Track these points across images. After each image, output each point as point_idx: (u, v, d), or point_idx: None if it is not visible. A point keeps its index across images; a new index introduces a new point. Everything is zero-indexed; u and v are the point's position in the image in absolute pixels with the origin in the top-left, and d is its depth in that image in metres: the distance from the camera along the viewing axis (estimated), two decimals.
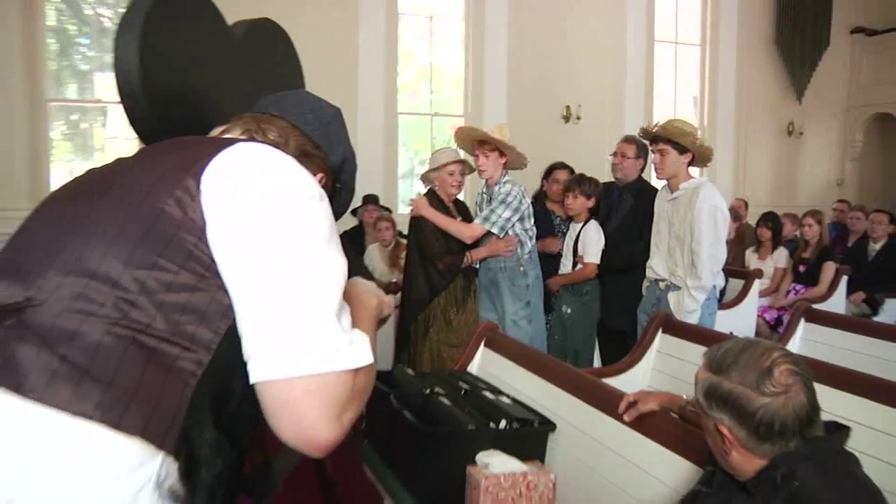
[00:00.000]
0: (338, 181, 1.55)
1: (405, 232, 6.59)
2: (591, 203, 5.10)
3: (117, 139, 8.84)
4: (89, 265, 1.10)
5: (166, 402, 1.04)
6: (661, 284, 4.41)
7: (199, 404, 1.08)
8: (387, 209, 7.77)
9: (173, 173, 1.17)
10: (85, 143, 8.93)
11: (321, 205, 1.21)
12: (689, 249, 4.19)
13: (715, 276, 4.23)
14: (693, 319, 4.14)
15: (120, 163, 1.32)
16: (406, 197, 9.34)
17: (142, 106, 1.59)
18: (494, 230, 4.61)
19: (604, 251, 4.99)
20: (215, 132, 1.44)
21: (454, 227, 4.63)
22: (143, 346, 1.05)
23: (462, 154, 4.89)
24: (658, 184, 4.84)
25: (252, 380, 1.09)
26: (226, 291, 1.12)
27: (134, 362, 1.04)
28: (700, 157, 4.35)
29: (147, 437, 1.01)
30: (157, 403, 1.03)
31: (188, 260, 1.10)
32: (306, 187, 1.21)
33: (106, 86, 8.67)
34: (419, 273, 4.60)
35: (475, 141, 4.71)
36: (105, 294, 1.07)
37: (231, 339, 1.11)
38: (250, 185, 1.17)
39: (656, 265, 4.46)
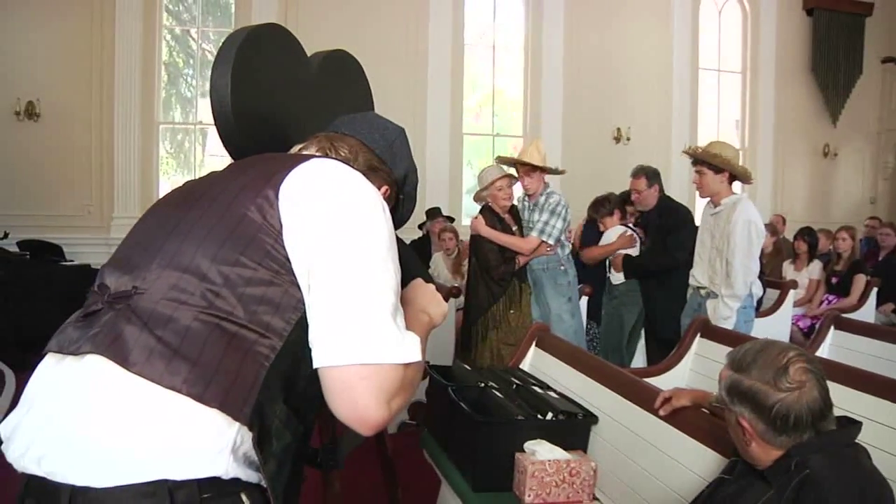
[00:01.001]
0: (401, 193, 1.58)
1: (467, 241, 6.63)
2: (616, 217, 5.35)
3: (215, 157, 9.09)
4: (183, 261, 1.16)
5: (243, 381, 1.09)
6: (702, 292, 4.35)
7: (271, 384, 1.13)
8: (451, 219, 7.80)
9: (256, 184, 1.23)
10: (187, 161, 9.21)
11: (383, 215, 1.25)
12: (726, 260, 4.13)
13: (747, 286, 4.13)
14: (728, 325, 4.06)
15: (212, 175, 1.38)
16: (469, 210, 9.41)
17: (232, 127, 1.65)
18: (550, 241, 4.63)
19: (634, 261, 5.09)
20: (294, 149, 1.48)
21: (512, 242, 4.63)
22: (225, 332, 1.11)
23: (505, 168, 4.88)
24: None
25: (315, 364, 1.13)
26: (297, 287, 1.16)
27: (216, 345, 1.09)
28: (738, 176, 4.28)
29: (225, 410, 1.06)
30: (235, 381, 1.08)
31: (266, 258, 1.15)
32: (371, 199, 1.25)
33: (207, 110, 8.91)
34: (479, 283, 4.61)
35: (513, 164, 4.76)
36: (195, 285, 1.13)
37: (301, 329, 1.15)
38: (322, 195, 1.21)
39: (698, 274, 4.40)
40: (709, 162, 4.18)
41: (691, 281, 4.48)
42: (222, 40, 1.76)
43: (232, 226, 1.18)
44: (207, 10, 9.04)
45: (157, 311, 1.11)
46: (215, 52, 8.75)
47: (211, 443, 1.06)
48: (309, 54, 1.98)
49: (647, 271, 5.03)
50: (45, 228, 7.62)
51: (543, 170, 4.69)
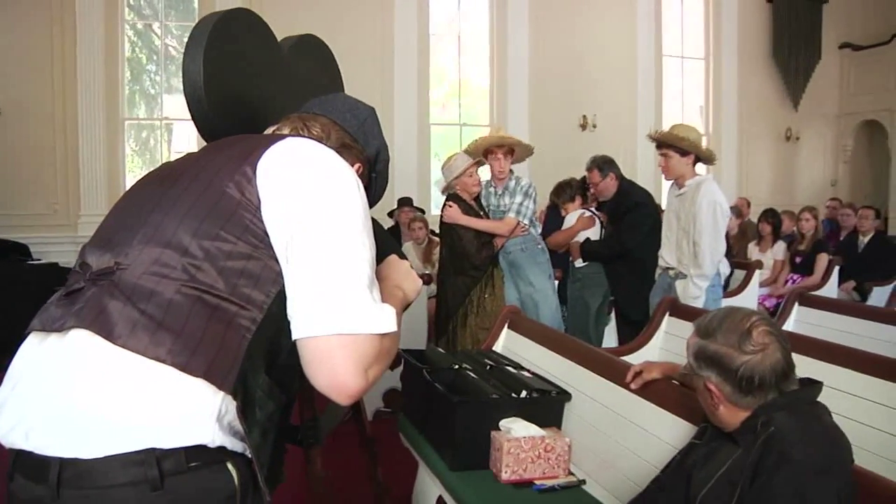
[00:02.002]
0: (373, 171, 1.61)
1: (437, 230, 6.66)
2: (577, 203, 5.41)
3: (182, 153, 8.98)
4: (165, 236, 1.18)
5: (226, 351, 1.12)
6: (671, 272, 4.40)
7: (253, 355, 1.16)
8: (420, 210, 7.83)
9: (234, 162, 1.26)
10: (153, 158, 9.11)
11: (358, 191, 1.28)
12: (693, 241, 4.20)
13: (715, 265, 4.21)
14: (698, 304, 4.12)
15: (189, 156, 1.41)
16: (438, 200, 9.45)
17: (206, 109, 1.67)
18: (525, 221, 4.70)
19: (589, 247, 5.17)
20: (268, 131, 1.51)
21: (491, 225, 4.67)
22: (206, 304, 1.13)
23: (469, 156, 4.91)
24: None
25: (294, 336, 1.16)
26: (276, 260, 1.19)
27: (199, 317, 1.12)
28: (703, 157, 4.35)
29: (209, 379, 1.09)
30: (218, 352, 1.11)
31: (245, 233, 1.18)
32: (345, 174, 1.29)
33: (172, 106, 8.87)
34: (456, 272, 4.62)
35: (489, 147, 4.78)
36: (177, 260, 1.16)
37: (280, 302, 1.18)
38: (298, 171, 1.24)
39: (666, 255, 4.45)
40: (674, 145, 4.24)
41: (660, 262, 4.54)
42: (186, 35, 1.77)
43: (212, 202, 1.20)
44: (170, 5, 8.93)
45: (140, 285, 1.14)
46: (179, 47, 8.57)
47: (196, 411, 1.09)
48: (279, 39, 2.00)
49: (600, 256, 5.11)
50: (10, 228, 7.50)
51: (514, 152, 4.76)
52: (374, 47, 8.98)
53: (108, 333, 1.09)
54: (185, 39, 1.72)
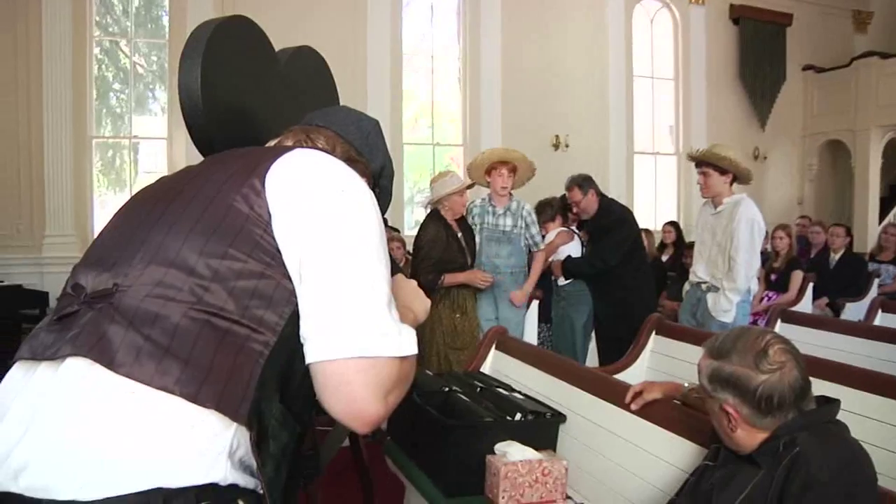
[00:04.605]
0: (377, 185, 1.54)
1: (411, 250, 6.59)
2: (558, 222, 5.47)
3: (150, 173, 8.84)
4: (169, 255, 1.09)
5: (238, 379, 1.03)
6: (703, 286, 4.48)
7: (266, 382, 1.06)
8: (395, 229, 7.77)
9: (240, 175, 1.17)
10: (118, 178, 8.93)
11: (373, 204, 1.21)
12: (729, 256, 4.28)
13: (749, 280, 4.32)
14: (727, 318, 4.24)
15: (188, 169, 1.31)
16: (410, 220, 9.42)
17: (203, 120, 1.58)
18: (542, 247, 4.95)
19: (571, 265, 5.21)
20: (269, 143, 1.42)
21: (541, 269, 4.97)
22: (216, 328, 1.04)
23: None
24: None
25: (308, 360, 1.07)
26: (289, 279, 1.10)
27: (208, 342, 1.03)
28: (740, 176, 4.44)
29: (221, 410, 1.00)
30: (230, 379, 1.02)
31: (255, 250, 1.09)
32: (361, 188, 1.21)
33: (139, 124, 8.70)
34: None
35: (494, 162, 4.78)
36: (182, 280, 1.06)
37: (293, 324, 1.09)
38: (310, 183, 1.16)
39: (699, 270, 4.53)
40: (714, 163, 4.33)
41: (691, 277, 4.64)
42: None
43: (218, 217, 1.11)
44: (138, 23, 8.77)
45: (143, 308, 1.04)
46: (146, 65, 8.35)
47: (208, 446, 0.99)
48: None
49: (584, 274, 5.10)
50: None
51: (517, 171, 4.83)
52: (346, 68, 8.86)
53: (108, 361, 0.99)
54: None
